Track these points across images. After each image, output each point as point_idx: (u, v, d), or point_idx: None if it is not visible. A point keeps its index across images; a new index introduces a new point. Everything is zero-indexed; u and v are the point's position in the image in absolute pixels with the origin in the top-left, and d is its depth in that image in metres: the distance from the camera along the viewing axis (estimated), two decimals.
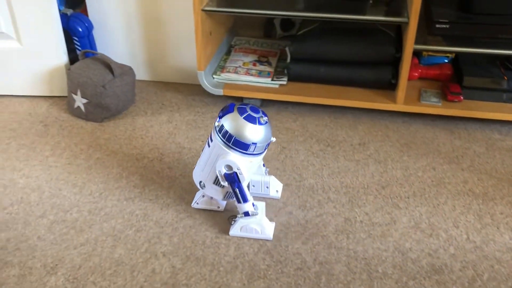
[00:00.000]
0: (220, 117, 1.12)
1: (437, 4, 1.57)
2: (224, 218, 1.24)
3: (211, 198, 1.26)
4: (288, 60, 1.68)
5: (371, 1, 1.58)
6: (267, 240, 1.18)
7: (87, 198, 1.31)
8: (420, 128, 1.59)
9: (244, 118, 1.10)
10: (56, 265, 1.12)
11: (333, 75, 1.66)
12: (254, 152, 1.12)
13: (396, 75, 1.61)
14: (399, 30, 1.66)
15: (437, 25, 1.48)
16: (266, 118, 1.13)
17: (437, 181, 1.36)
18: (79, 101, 1.62)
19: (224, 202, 1.27)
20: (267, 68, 1.75)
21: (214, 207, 1.27)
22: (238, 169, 1.11)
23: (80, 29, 1.77)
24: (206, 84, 1.68)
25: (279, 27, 2.00)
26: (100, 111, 1.62)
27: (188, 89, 1.84)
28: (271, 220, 1.22)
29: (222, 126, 1.11)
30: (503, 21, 1.46)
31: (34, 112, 1.70)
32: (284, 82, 1.68)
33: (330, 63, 1.65)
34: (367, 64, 1.63)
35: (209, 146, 1.15)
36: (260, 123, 1.11)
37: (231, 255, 1.13)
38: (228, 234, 1.19)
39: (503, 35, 1.48)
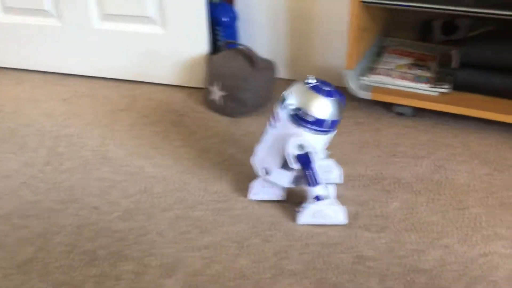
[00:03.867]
0: (291, 98, 1.02)
1: None
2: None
3: (273, 186, 1.14)
4: (455, 65, 1.44)
5: None
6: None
7: (214, 196, 1.20)
8: None
9: (317, 92, 1.01)
10: (175, 267, 1.01)
11: (510, 87, 1.38)
12: (328, 129, 1.03)
13: None
14: None
15: None
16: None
17: None
18: (217, 94, 1.53)
19: (282, 192, 1.17)
20: (425, 73, 1.52)
21: (276, 197, 1.16)
22: (312, 149, 1.02)
23: (225, 19, 1.68)
24: (353, 85, 1.49)
25: (439, 30, 1.75)
26: (237, 105, 1.51)
27: None
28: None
29: (294, 103, 1.01)
30: None
31: (171, 101, 1.65)
32: (446, 90, 1.44)
33: (508, 73, 1.38)
34: None
35: (274, 128, 1.06)
36: (335, 96, 1.02)
37: (373, 287, 0.94)
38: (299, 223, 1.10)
39: None
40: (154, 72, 1.74)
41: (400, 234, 1.06)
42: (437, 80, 1.48)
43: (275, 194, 1.16)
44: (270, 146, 1.08)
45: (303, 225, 1.09)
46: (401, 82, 1.48)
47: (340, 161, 1.30)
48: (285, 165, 1.07)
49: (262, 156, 1.10)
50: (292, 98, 1.02)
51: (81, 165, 1.33)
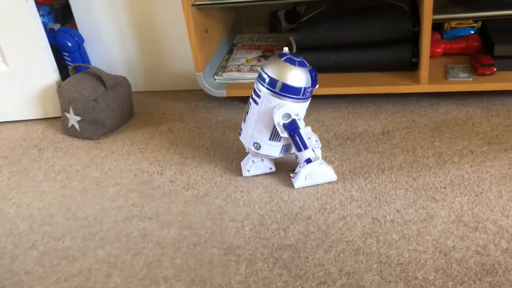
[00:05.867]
0: (268, 72, 1.09)
1: None
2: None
3: (262, 160, 1.22)
4: (294, 50, 1.52)
5: None
6: (332, 182, 1.17)
7: (81, 223, 1.17)
8: (451, 108, 1.40)
9: (291, 64, 1.08)
10: None
11: (345, 62, 1.49)
12: (306, 96, 1.11)
13: (416, 52, 1.43)
14: (413, 2, 1.48)
15: None
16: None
17: (477, 165, 1.17)
18: (73, 119, 1.50)
19: (273, 164, 1.24)
20: None
21: (267, 170, 1.24)
22: (296, 115, 1.09)
23: (69, 44, 1.65)
24: (207, 86, 1.53)
25: (283, 19, 1.85)
26: (95, 127, 1.49)
27: (191, 96, 1.70)
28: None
29: (273, 79, 1.08)
30: None
31: (29, 136, 1.58)
32: None
33: (340, 49, 1.49)
34: (382, 45, 1.46)
35: (256, 104, 1.12)
36: (307, 66, 1.10)
37: (242, 273, 0.97)
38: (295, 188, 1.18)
39: None
40: (6, 110, 1.66)
41: (264, 217, 1.10)
42: None
43: (266, 167, 1.23)
44: (256, 122, 1.14)
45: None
46: (251, 75, 1.54)
47: (205, 159, 1.33)
48: (273, 137, 1.14)
49: (250, 133, 1.16)
50: (269, 72, 1.08)
51: None
